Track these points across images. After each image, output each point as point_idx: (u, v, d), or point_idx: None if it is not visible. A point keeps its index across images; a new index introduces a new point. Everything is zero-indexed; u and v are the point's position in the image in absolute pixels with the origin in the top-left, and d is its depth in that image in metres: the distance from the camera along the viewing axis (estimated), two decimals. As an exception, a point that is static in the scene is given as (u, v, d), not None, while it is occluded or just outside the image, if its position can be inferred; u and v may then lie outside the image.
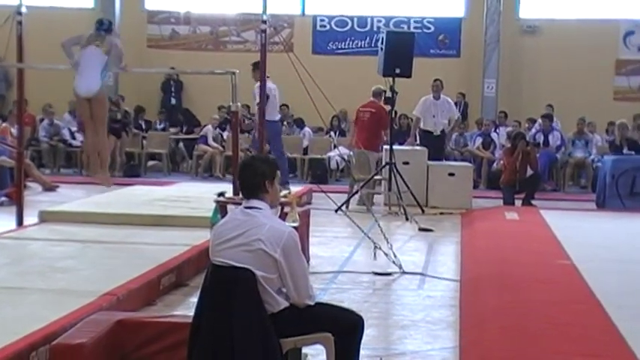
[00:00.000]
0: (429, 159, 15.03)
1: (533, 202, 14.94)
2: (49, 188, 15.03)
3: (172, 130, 20.13)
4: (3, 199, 13.35)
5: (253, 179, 4.75)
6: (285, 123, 19.77)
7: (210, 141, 18.83)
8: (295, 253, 4.65)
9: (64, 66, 10.17)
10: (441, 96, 15.65)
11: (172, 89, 20.97)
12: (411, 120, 18.86)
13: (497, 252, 10.20)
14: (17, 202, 10.54)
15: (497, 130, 18.94)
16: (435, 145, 15.41)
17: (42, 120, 19.26)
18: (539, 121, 18.29)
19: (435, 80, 15.70)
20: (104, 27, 10.01)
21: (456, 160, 17.64)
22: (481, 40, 20.40)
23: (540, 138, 17.90)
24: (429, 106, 15.47)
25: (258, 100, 12.07)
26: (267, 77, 10.76)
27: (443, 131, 15.75)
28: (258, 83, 13.36)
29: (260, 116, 10.54)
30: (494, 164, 17.59)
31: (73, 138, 19.14)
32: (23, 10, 9.93)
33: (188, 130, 20.10)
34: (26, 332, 5.64)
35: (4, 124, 15.66)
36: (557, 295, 7.84)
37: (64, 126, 19.31)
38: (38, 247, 9.04)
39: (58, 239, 9.50)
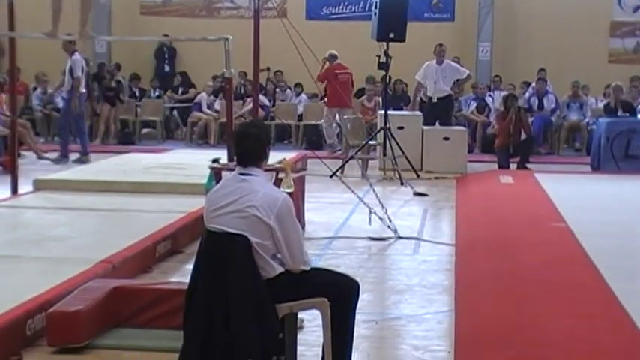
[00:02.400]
0: (425, 124, 15.03)
1: (527, 165, 14.96)
2: (42, 157, 14.97)
3: (168, 94, 20.05)
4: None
5: (255, 147, 4.75)
6: (277, 89, 19.75)
7: (205, 108, 18.79)
8: (289, 219, 4.65)
9: (60, 36, 10.11)
10: (445, 60, 15.56)
11: (166, 56, 20.90)
12: (406, 85, 18.88)
13: (492, 216, 10.23)
14: (11, 171, 10.52)
15: (492, 94, 18.91)
16: (436, 111, 15.37)
17: (35, 88, 19.19)
18: (533, 84, 18.25)
19: (440, 45, 15.60)
20: None
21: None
22: (475, 4, 20.32)
23: (535, 102, 17.87)
24: (432, 71, 15.37)
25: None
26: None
27: (448, 96, 15.63)
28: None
29: (255, 85, 10.49)
30: (489, 128, 17.58)
31: (67, 107, 19.05)
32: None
33: (184, 92, 20.07)
34: (22, 300, 5.66)
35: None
36: (552, 258, 7.87)
37: (57, 94, 19.21)
38: (33, 216, 9.05)
39: (52, 207, 9.51)
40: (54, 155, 15.07)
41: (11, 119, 10.65)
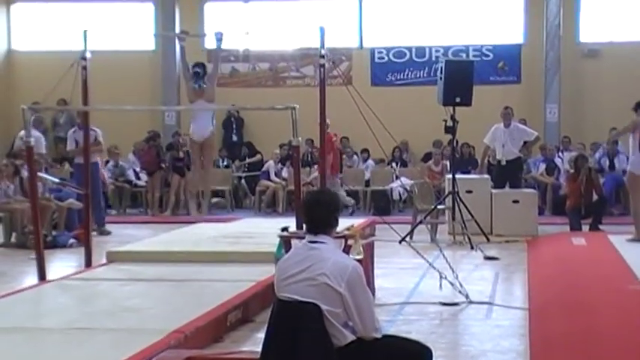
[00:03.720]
0: (494, 187, 14.93)
1: (600, 227, 14.72)
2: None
3: (236, 163, 20.28)
4: (72, 240, 13.56)
5: (326, 215, 4.77)
6: (344, 155, 19.84)
7: (273, 176, 18.94)
8: (360, 286, 4.64)
9: (129, 107, 10.39)
10: (512, 123, 15.51)
11: (234, 126, 21.16)
12: (473, 148, 18.83)
13: (565, 278, 10.05)
14: (85, 244, 10.69)
15: (561, 155, 18.74)
16: (505, 174, 15.29)
17: (107, 162, 19.55)
18: (604, 144, 18.03)
19: (506, 108, 15.58)
20: (200, 77, 11.34)
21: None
22: (541, 66, 20.24)
23: (606, 162, 17.65)
24: (500, 134, 15.33)
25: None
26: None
27: (517, 158, 15.54)
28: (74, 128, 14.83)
29: (321, 151, 10.55)
30: (560, 190, 17.37)
31: (138, 178, 19.40)
32: (87, 55, 10.14)
33: (251, 162, 20.26)
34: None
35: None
36: (629, 320, 7.69)
37: (128, 167, 19.59)
38: (106, 287, 9.15)
39: (125, 279, 9.60)
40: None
41: (85, 193, 10.84)
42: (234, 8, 21.52)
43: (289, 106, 9.27)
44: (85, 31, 10.25)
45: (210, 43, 21.20)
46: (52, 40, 21.49)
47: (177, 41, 17.84)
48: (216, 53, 11.92)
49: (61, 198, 14.48)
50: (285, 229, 8.67)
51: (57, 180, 12.33)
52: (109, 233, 14.95)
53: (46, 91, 10.93)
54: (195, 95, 11.43)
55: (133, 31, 20.29)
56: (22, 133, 10.62)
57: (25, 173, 12.88)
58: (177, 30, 20.65)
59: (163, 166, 18.85)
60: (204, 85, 11.38)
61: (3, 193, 14.21)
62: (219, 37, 11.27)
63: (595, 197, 14.74)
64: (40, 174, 11.32)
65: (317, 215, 4.78)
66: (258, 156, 20.33)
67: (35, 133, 15.55)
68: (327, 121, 16.42)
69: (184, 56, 11.87)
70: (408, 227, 13.65)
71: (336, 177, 16.82)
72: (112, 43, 19.72)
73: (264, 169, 19.40)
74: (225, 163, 20.29)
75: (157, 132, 19.58)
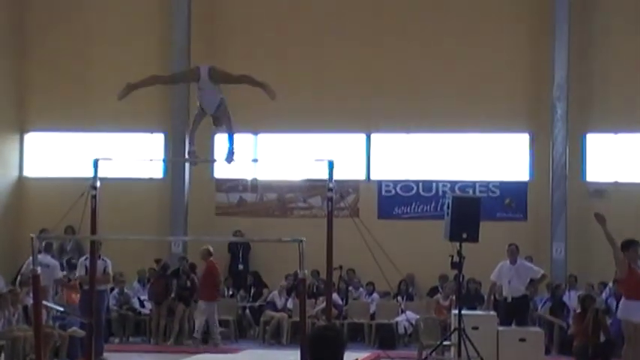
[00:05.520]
0: (500, 324, 14.80)
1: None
2: None
3: (241, 293, 20.18)
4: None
5: (331, 351, 4.73)
6: (350, 287, 19.76)
7: (277, 307, 18.82)
8: None
9: (136, 236, 10.43)
10: (518, 260, 15.50)
11: (240, 253, 21.12)
12: (480, 284, 18.75)
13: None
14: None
15: (568, 294, 18.59)
16: (511, 311, 15.19)
17: (112, 289, 19.45)
18: (610, 284, 17.92)
19: (510, 245, 15.57)
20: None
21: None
22: (548, 203, 20.29)
23: (613, 303, 17.49)
24: (506, 271, 15.29)
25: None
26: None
27: (524, 296, 15.46)
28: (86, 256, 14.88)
29: (328, 285, 10.54)
30: (567, 330, 17.14)
31: (142, 306, 19.27)
32: (97, 184, 10.26)
33: (256, 294, 20.15)
34: None
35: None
36: None
37: (133, 294, 19.49)
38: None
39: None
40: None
41: (88, 322, 10.78)
42: (244, 140, 21.80)
43: (296, 239, 9.31)
44: (95, 160, 10.39)
45: (218, 173, 21.51)
46: (63, 168, 21.74)
47: (187, 176, 18.20)
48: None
49: (64, 325, 14.39)
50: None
51: (61, 309, 12.27)
52: None
53: (55, 218, 11.04)
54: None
55: (142, 159, 20.52)
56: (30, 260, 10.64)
57: (29, 301, 12.84)
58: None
59: (172, 295, 18.77)
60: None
61: (6, 320, 14.13)
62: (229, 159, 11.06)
63: (603, 338, 14.56)
64: (45, 302, 11.29)
65: (322, 352, 4.73)
66: (265, 291, 20.22)
67: (51, 260, 15.69)
68: (210, 248, 17.18)
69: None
70: (413, 362, 13.49)
71: (213, 303, 17.50)
72: (122, 170, 19.94)
73: (268, 299, 19.30)
74: (230, 293, 20.17)
75: (167, 263, 19.54)
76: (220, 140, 21.88)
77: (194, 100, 21.15)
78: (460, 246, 13.64)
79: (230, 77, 10.84)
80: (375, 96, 20.98)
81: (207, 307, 17.49)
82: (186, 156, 12.36)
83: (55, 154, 22.23)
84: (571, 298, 18.28)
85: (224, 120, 10.77)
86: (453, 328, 14.13)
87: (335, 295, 17.84)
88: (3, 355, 14.00)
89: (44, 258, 15.24)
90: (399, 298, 18.71)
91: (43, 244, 15.21)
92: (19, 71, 22.02)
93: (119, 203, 19.06)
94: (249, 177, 21.70)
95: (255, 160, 21.47)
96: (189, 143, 11.12)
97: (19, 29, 22.03)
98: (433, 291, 18.93)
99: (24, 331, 13.65)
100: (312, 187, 20.93)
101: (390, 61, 21.09)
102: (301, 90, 21.00)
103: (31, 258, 10.31)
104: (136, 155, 21.36)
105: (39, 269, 9.69)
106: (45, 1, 22.04)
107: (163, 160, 22.05)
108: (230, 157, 10.99)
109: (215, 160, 21.37)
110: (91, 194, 10.18)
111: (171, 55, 20.95)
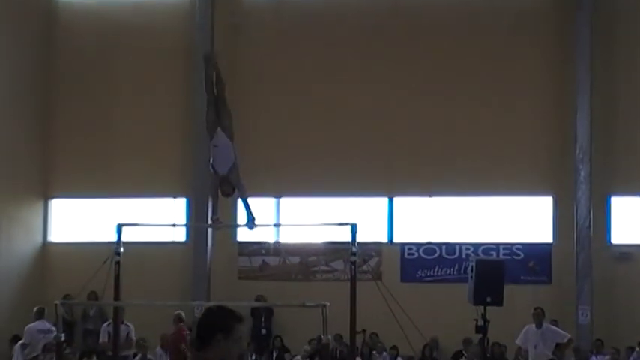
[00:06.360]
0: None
1: None
2: None
3: (264, 358, 20.02)
4: None
5: None
6: (374, 352, 19.58)
7: (300, 372, 18.68)
8: None
9: (159, 302, 10.41)
10: (543, 324, 15.33)
11: (262, 317, 20.99)
12: (505, 347, 18.54)
13: None
14: None
15: (596, 358, 18.33)
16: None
17: (135, 355, 19.34)
18: (637, 349, 17.67)
19: (536, 309, 15.42)
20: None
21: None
22: (572, 266, 20.08)
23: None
24: (532, 335, 15.13)
25: None
26: None
27: None
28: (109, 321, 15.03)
29: (352, 351, 10.44)
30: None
31: (165, 371, 19.15)
32: (121, 250, 10.28)
33: (279, 358, 19.97)
34: None
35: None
36: None
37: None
38: None
39: None
40: None
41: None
42: (267, 204, 21.87)
43: (320, 304, 9.27)
44: (118, 226, 10.43)
45: (241, 237, 21.51)
46: (87, 233, 21.84)
47: (209, 239, 18.16)
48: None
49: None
50: None
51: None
52: None
53: (78, 283, 11.05)
54: (213, 127, 10.87)
55: (165, 224, 20.57)
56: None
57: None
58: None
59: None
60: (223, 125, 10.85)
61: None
62: (251, 226, 11.17)
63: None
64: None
65: None
66: (287, 355, 20.05)
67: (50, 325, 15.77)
68: (181, 313, 16.76)
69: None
70: None
71: None
72: (144, 235, 19.98)
73: (292, 364, 19.15)
74: (253, 358, 20.02)
75: (189, 328, 19.47)
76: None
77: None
78: (484, 309, 13.52)
79: (225, 105, 10.94)
80: (397, 159, 21.02)
81: None
82: (209, 222, 12.37)
83: (79, 220, 22.35)
84: (597, 363, 18.04)
85: (235, 182, 10.80)
86: (478, 393, 13.95)
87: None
88: None
89: (43, 325, 15.40)
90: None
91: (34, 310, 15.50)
92: (43, 137, 22.23)
93: (142, 268, 19.06)
94: (271, 240, 21.69)
95: (277, 225, 21.40)
96: (213, 212, 11.16)
97: (44, 94, 22.29)
98: (457, 355, 18.72)
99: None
100: (335, 250, 20.85)
101: (412, 124, 21.15)
102: (323, 154, 21.09)
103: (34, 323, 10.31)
104: (158, 220, 21.42)
105: (62, 335, 9.67)
106: (69, 65, 22.29)
107: (185, 226, 22.10)
108: (251, 225, 11.02)
109: (239, 226, 21.39)
110: (115, 260, 10.20)
111: (194, 119, 21.13)
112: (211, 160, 10.84)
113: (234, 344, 4.27)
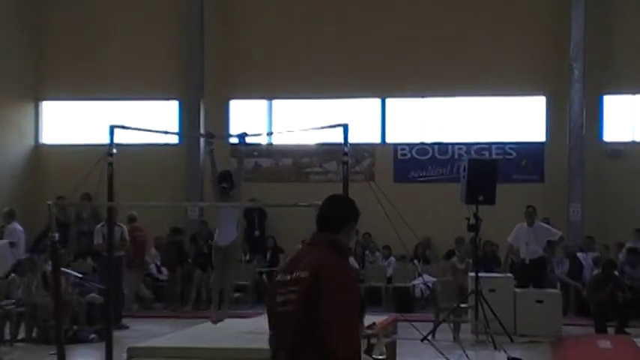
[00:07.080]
0: (518, 286, 14.81)
1: (626, 330, 14.51)
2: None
3: (258, 258, 20.23)
4: (93, 335, 13.52)
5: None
6: (367, 251, 19.78)
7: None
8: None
9: (153, 202, 10.44)
10: (536, 222, 15.46)
11: (256, 219, 21.11)
12: (497, 246, 18.74)
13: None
14: (106, 339, 10.63)
15: (585, 255, 18.53)
16: (528, 273, 15.18)
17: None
18: (627, 245, 17.85)
19: (528, 207, 15.55)
20: (227, 186, 10.92)
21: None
22: (564, 165, 20.16)
23: (628, 270, 17.35)
24: (524, 234, 15.28)
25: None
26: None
27: (541, 258, 15.46)
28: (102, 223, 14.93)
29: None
30: (584, 290, 17.13)
31: (160, 272, 19.36)
32: (113, 151, 10.24)
33: (273, 259, 20.18)
34: None
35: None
36: None
37: (150, 261, 19.56)
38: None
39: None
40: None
41: (106, 288, 10.83)
42: (258, 105, 21.79)
43: (312, 203, 9.28)
44: (111, 127, 10.37)
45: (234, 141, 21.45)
46: (79, 135, 21.80)
47: (202, 142, 18.12)
48: (240, 154, 11.87)
49: (82, 292, 14.49)
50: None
51: (80, 275, 12.32)
52: (126, 328, 14.93)
53: (71, 185, 11.02)
54: (222, 199, 11.21)
55: (158, 126, 20.48)
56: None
57: (48, 268, 12.91)
58: (202, 126, 20.90)
59: (190, 260, 18.88)
60: (231, 193, 11.11)
61: (25, 287, 14.23)
62: (242, 140, 11.27)
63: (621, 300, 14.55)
64: (63, 269, 11.33)
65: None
66: (281, 256, 20.23)
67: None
68: (134, 213, 16.83)
69: (214, 162, 11.51)
70: (431, 325, 13.52)
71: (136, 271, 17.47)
72: (137, 137, 19.93)
73: (285, 263, 19.31)
74: (247, 258, 20.22)
75: (179, 228, 19.63)
76: (235, 107, 21.89)
77: (208, 68, 21.27)
78: (477, 209, 13.63)
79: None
80: (389, 60, 20.87)
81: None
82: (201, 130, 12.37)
83: (71, 122, 22.29)
84: (588, 258, 18.24)
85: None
86: (470, 290, 14.15)
87: (352, 259, 17.85)
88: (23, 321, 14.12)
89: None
90: (416, 261, 18.70)
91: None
92: (35, 41, 22.01)
93: (135, 170, 19.08)
94: (264, 142, 21.68)
95: (270, 131, 21.41)
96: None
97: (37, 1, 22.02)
98: (450, 254, 18.92)
99: (42, 297, 13.75)
100: (328, 151, 20.82)
101: (404, 25, 20.94)
102: (316, 56, 20.94)
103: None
104: (151, 122, 21.32)
105: (56, 235, 9.71)
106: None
107: (178, 134, 22.10)
108: (243, 139, 11.25)
109: (231, 136, 21.38)
110: (108, 161, 10.17)
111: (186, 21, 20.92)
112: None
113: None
